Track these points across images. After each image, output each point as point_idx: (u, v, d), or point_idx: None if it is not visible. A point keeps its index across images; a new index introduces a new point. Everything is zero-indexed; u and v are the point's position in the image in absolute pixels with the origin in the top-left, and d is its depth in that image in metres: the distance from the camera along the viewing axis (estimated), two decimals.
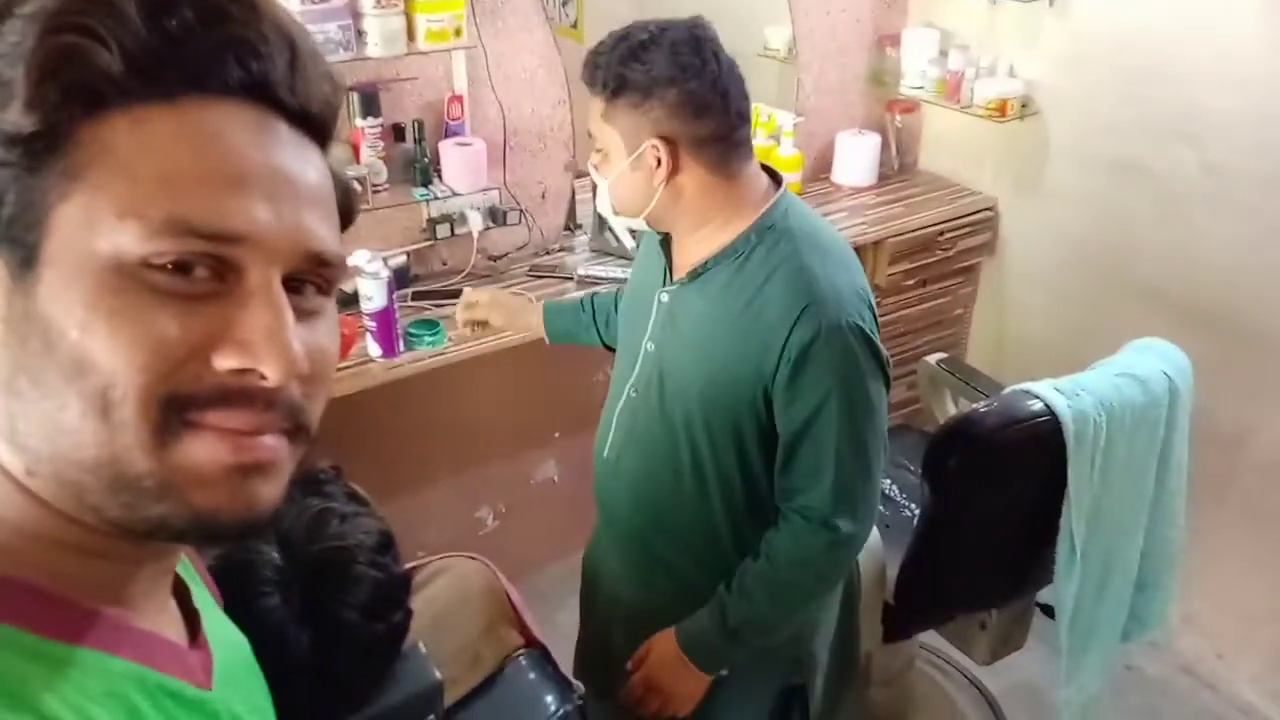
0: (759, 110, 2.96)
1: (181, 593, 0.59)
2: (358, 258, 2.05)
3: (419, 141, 2.34)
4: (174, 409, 0.47)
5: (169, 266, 0.46)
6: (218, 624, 0.61)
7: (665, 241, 1.48)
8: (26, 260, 0.45)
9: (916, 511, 2.19)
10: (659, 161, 1.33)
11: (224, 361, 0.48)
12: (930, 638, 2.33)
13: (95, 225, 0.45)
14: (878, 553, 2.02)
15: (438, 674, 1.12)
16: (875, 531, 1.99)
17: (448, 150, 2.35)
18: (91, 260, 0.45)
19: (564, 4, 4.01)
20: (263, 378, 0.49)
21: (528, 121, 2.53)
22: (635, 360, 1.51)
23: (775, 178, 1.45)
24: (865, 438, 1.37)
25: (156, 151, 0.46)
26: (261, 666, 0.94)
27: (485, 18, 2.37)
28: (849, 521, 1.41)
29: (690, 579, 1.53)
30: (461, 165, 2.34)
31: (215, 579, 0.96)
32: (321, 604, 0.97)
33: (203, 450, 0.48)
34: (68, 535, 0.49)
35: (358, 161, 2.30)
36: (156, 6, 0.46)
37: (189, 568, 0.63)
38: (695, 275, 1.40)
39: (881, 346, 1.37)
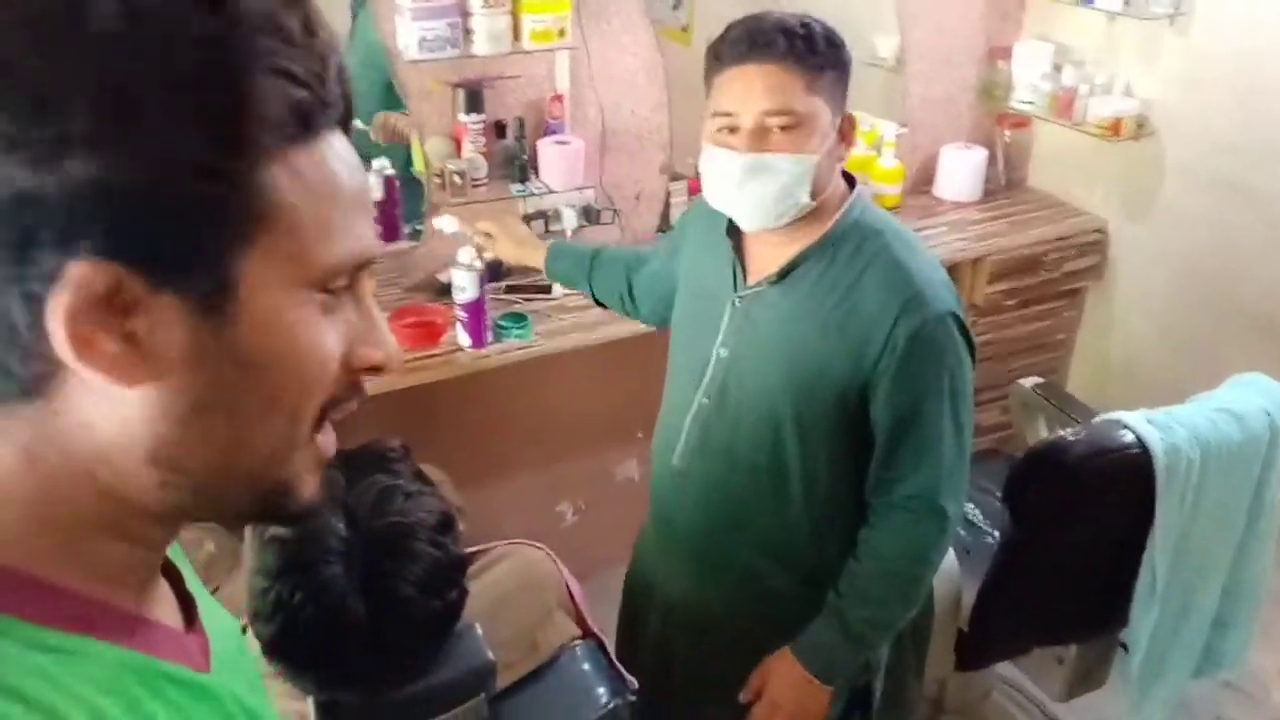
0: (860, 120, 2.92)
1: (174, 578, 0.59)
2: (460, 255, 2.09)
3: (519, 138, 2.38)
4: (325, 411, 0.53)
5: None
6: (209, 607, 0.62)
7: (734, 243, 1.44)
8: (215, 305, 0.46)
9: (998, 538, 2.13)
10: (846, 134, 1.35)
11: (367, 361, 0.54)
12: (1011, 670, 2.27)
13: (279, 271, 0.47)
14: (953, 577, 1.98)
15: (490, 655, 1.15)
16: (951, 555, 1.95)
17: (546, 148, 2.39)
18: (280, 302, 0.48)
19: (675, 7, 4.04)
20: (378, 370, 0.54)
21: (626, 122, 2.55)
22: (704, 366, 1.47)
23: (847, 177, 1.44)
24: (964, 419, 1.40)
25: (311, 196, 0.48)
26: (320, 633, 0.98)
27: (590, 19, 2.40)
28: (954, 503, 1.42)
29: (765, 579, 1.53)
30: (559, 163, 2.38)
31: (282, 548, 1.00)
32: (380, 577, 0.99)
33: (326, 442, 0.55)
34: (107, 522, 0.50)
35: (459, 156, 2.35)
36: (310, 43, 0.47)
37: (179, 552, 0.62)
38: (784, 274, 1.38)
39: (971, 331, 1.40)
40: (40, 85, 0.41)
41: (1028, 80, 2.82)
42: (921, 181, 3.02)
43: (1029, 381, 2.46)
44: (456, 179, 2.31)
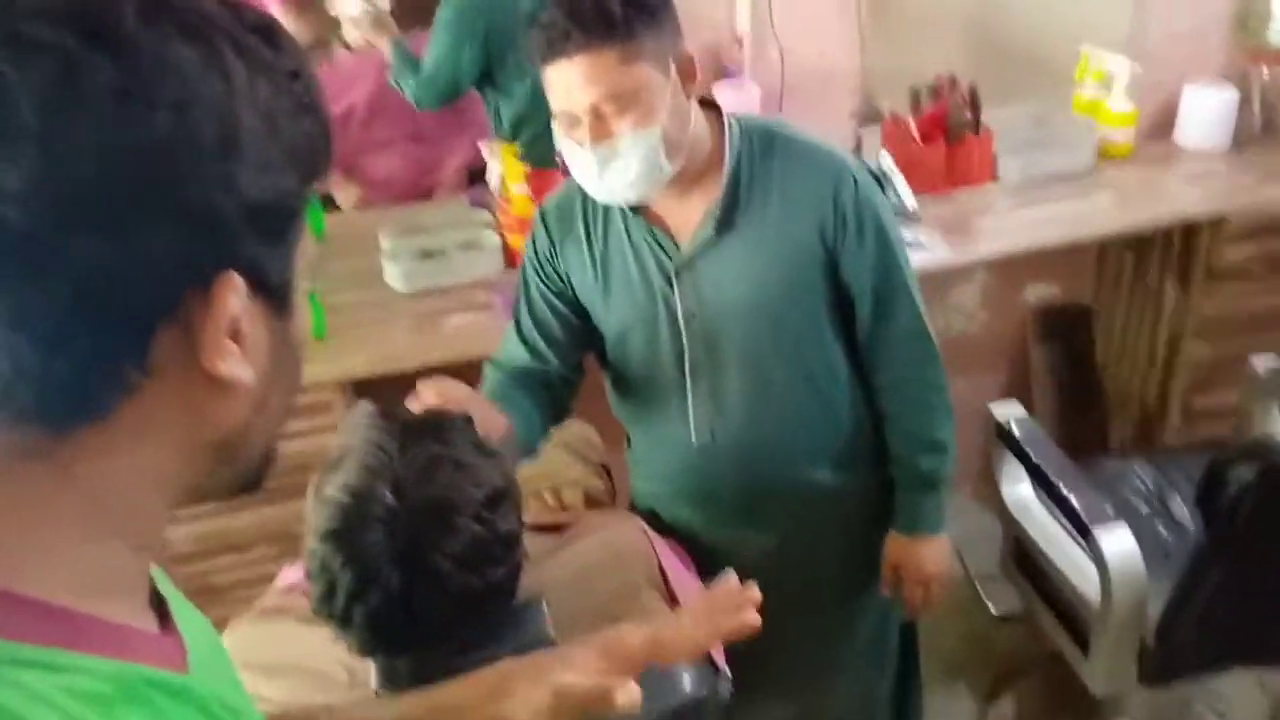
0: (1087, 55, 2.62)
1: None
2: None
3: None
4: None
5: None
6: (181, 607, 0.62)
7: (638, 217, 1.43)
8: (283, 306, 0.56)
9: None
10: (688, 75, 1.33)
11: None
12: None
13: (299, 263, 0.57)
14: (1137, 581, 1.75)
15: (551, 633, 1.11)
16: (1137, 558, 1.74)
17: (720, 93, 2.29)
18: (299, 288, 0.57)
19: None
20: None
21: (813, 65, 2.41)
22: (675, 342, 1.47)
23: (708, 103, 1.45)
24: (903, 243, 1.52)
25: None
26: (355, 598, 0.98)
27: None
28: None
29: (834, 489, 1.60)
30: (730, 109, 2.27)
31: (331, 511, 1.00)
32: (417, 548, 0.98)
33: None
34: (134, 526, 0.55)
35: None
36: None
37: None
38: (722, 224, 1.40)
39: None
40: (265, 145, 0.51)
41: None
42: (1161, 127, 2.67)
43: (1265, 360, 2.14)
44: None
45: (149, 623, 0.57)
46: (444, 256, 2.15)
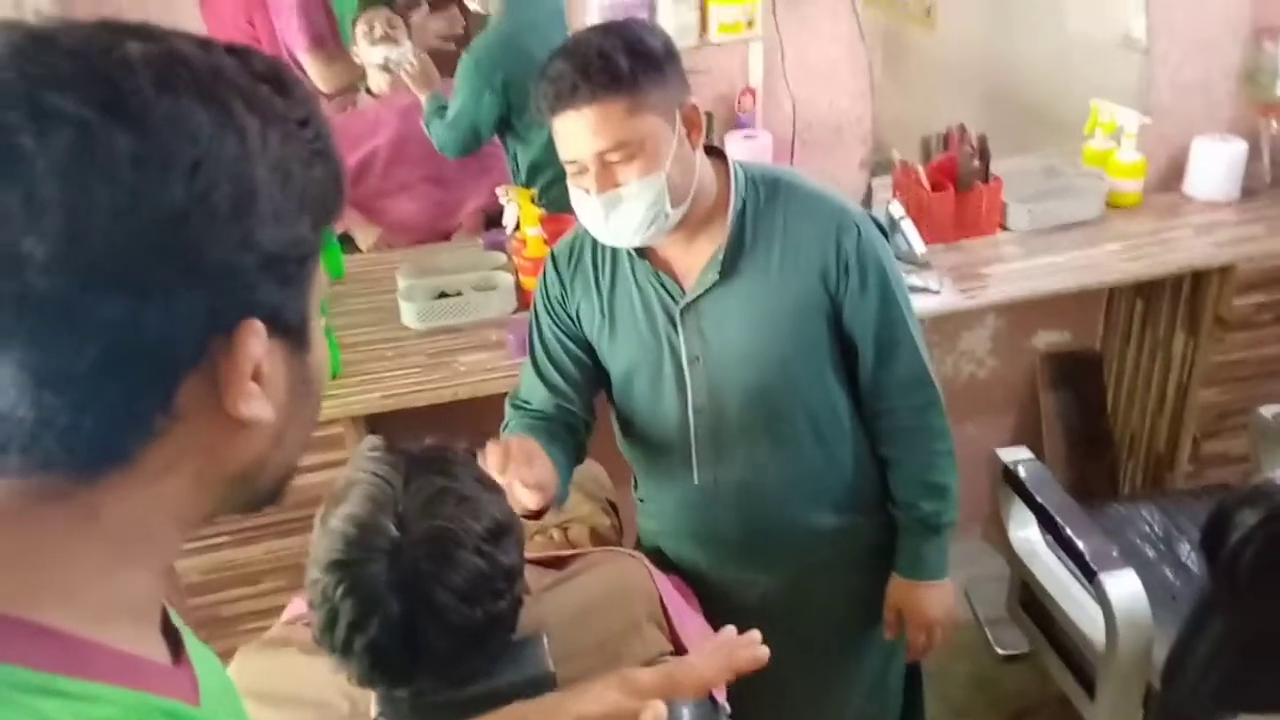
0: (1098, 108, 2.66)
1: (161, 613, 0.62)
2: None
3: (707, 134, 2.34)
4: None
5: None
6: (192, 641, 0.63)
7: (647, 260, 1.46)
8: (301, 343, 0.57)
9: None
10: (693, 124, 1.37)
11: None
12: None
13: (315, 299, 0.58)
14: (1143, 625, 1.76)
15: (550, 666, 1.13)
16: (1143, 602, 1.74)
17: (733, 143, 2.34)
18: (316, 322, 0.59)
19: None
20: None
21: (824, 114, 2.45)
22: (679, 383, 1.50)
23: (714, 151, 1.49)
24: (907, 293, 1.53)
25: None
26: (355, 629, 1.01)
27: (788, 8, 2.31)
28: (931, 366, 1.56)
29: (833, 531, 1.60)
30: (743, 158, 2.31)
31: (334, 541, 1.03)
32: (419, 580, 1.00)
33: None
34: (148, 556, 0.57)
35: None
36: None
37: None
38: (727, 268, 1.43)
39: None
40: (279, 197, 0.53)
41: None
42: (1170, 178, 2.70)
43: (1272, 409, 2.14)
44: None
45: (162, 653, 0.58)
46: (458, 296, 2.20)
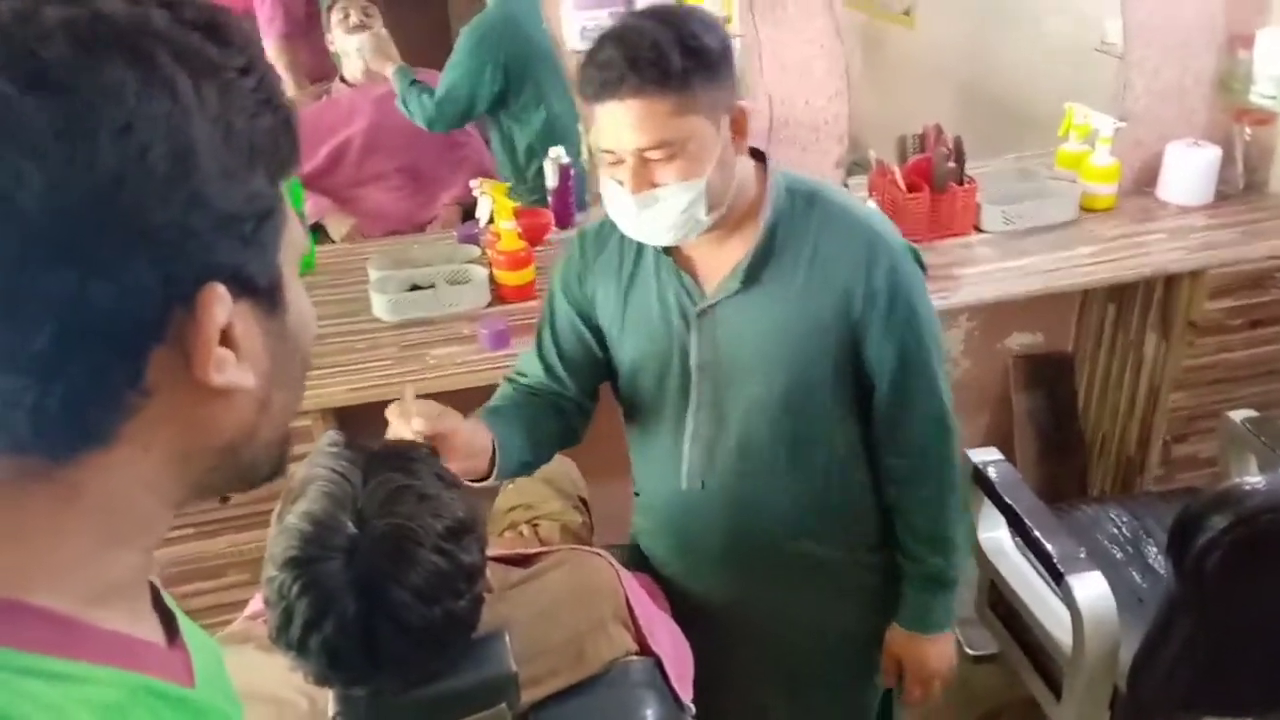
0: (1073, 111, 2.67)
1: (152, 593, 0.61)
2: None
3: None
4: None
5: None
6: (186, 623, 0.63)
7: (672, 258, 1.41)
8: (274, 303, 0.55)
9: None
10: (739, 128, 1.31)
11: None
12: None
13: (289, 256, 0.56)
14: (1109, 627, 1.76)
15: (512, 666, 1.12)
16: (1110, 604, 1.75)
17: None
18: (293, 281, 0.57)
19: None
20: None
21: (800, 113, 2.44)
22: (683, 385, 1.46)
23: (756, 153, 1.42)
24: (937, 334, 1.46)
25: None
26: (311, 628, 0.99)
27: (765, 4, 2.30)
28: (951, 407, 1.48)
29: (810, 559, 1.55)
30: None
31: (291, 539, 1.01)
32: (376, 578, 0.99)
33: None
34: (132, 534, 0.55)
35: None
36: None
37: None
38: (750, 278, 1.38)
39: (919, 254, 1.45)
40: (223, 152, 0.50)
41: (1272, 72, 2.45)
42: (1143, 182, 2.71)
43: (1240, 414, 2.16)
44: None
45: (156, 634, 0.57)
46: (431, 289, 2.18)
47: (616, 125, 1.25)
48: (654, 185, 1.28)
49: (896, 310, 1.38)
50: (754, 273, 1.38)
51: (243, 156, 0.51)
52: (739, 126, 1.31)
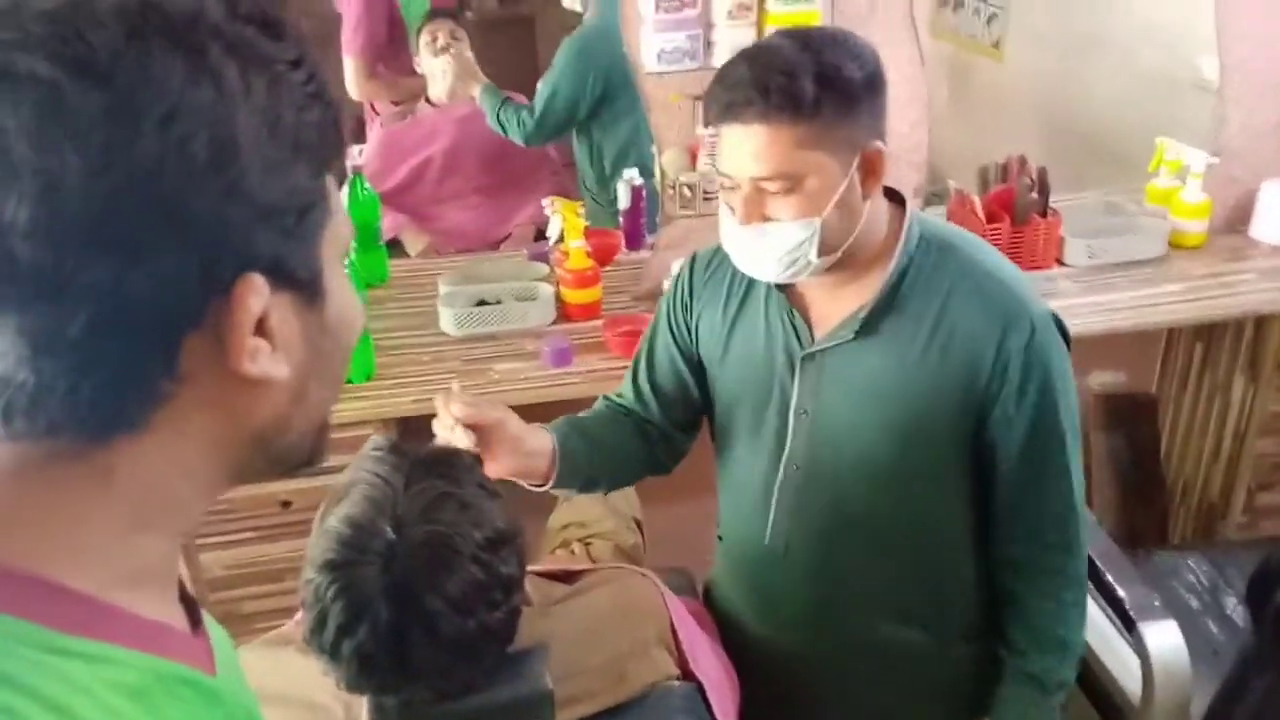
0: (1165, 145, 2.59)
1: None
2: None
3: None
4: None
5: None
6: (205, 615, 0.63)
7: (782, 294, 1.32)
8: (314, 295, 0.55)
9: None
10: (872, 170, 1.20)
11: None
12: None
13: (332, 250, 0.56)
14: (1181, 679, 1.68)
15: (548, 684, 1.10)
16: (1183, 655, 1.67)
17: None
18: (337, 273, 0.57)
19: (987, 22, 3.79)
20: None
21: None
22: (780, 434, 1.36)
23: (893, 194, 1.31)
24: (1075, 419, 1.32)
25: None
26: (345, 632, 0.99)
27: (850, 31, 2.28)
28: (1083, 506, 1.36)
29: (890, 638, 1.43)
30: None
31: (330, 542, 1.02)
32: (411, 586, 0.98)
33: None
34: (165, 521, 0.55)
35: (693, 168, 2.34)
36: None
37: None
38: (866, 326, 1.27)
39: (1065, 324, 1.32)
40: (267, 145, 0.51)
41: None
42: (1236, 220, 2.60)
43: None
44: (687, 191, 2.30)
45: (181, 621, 0.58)
46: (498, 305, 2.20)
47: (736, 150, 1.18)
48: (765, 218, 1.20)
49: (1030, 383, 1.25)
50: (872, 323, 1.27)
51: (287, 149, 0.51)
52: (872, 167, 1.21)
